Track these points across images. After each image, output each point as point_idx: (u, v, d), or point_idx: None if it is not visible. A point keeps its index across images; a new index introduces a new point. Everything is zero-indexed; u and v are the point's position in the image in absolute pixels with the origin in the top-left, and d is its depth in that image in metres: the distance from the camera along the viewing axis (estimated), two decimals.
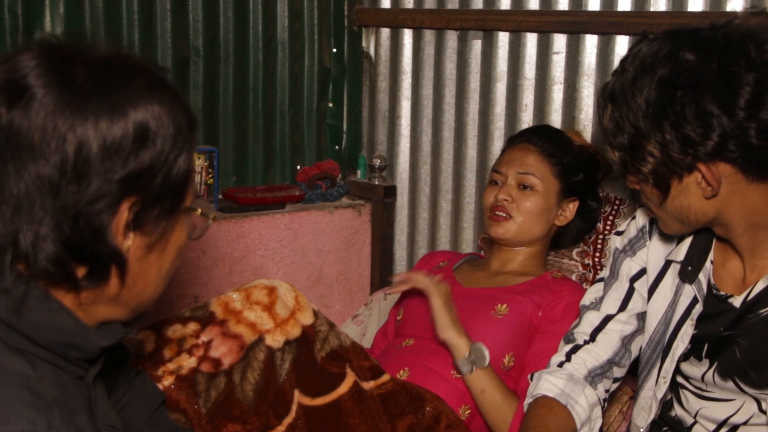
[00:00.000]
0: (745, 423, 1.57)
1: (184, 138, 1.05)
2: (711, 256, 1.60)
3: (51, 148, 0.95)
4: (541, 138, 2.14)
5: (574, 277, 2.23)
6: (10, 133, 0.96)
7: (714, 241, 1.60)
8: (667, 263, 1.69)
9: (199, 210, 1.14)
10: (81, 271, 1.01)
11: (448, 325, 1.92)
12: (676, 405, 1.69)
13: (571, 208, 2.15)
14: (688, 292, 1.63)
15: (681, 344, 1.63)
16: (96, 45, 1.05)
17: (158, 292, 1.13)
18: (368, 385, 1.77)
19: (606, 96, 1.48)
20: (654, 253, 1.71)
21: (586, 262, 2.26)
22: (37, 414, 0.94)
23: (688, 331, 1.62)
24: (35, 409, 0.94)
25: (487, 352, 1.89)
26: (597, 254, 2.25)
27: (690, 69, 1.38)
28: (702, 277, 1.60)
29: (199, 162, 2.55)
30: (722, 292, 1.57)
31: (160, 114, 1.01)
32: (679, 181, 1.44)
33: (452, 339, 1.91)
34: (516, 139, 2.20)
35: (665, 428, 1.72)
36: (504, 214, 2.10)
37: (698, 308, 1.61)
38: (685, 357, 1.63)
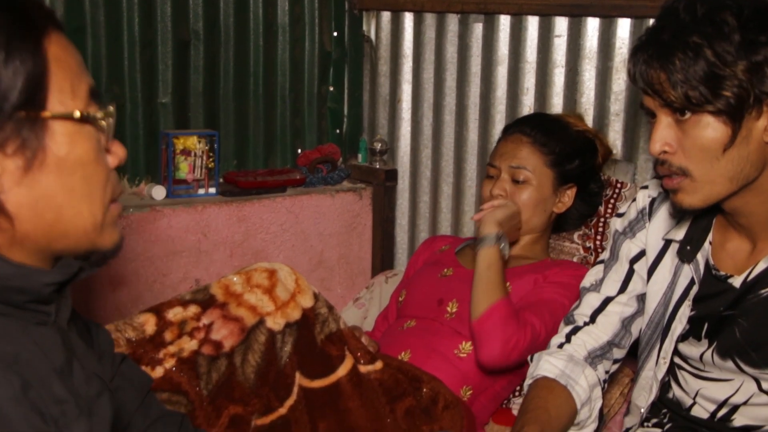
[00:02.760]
0: (744, 403, 1.57)
1: (7, 40, 0.90)
2: (710, 237, 1.60)
3: None
4: (534, 127, 2.14)
5: (575, 260, 2.23)
6: None
7: (714, 221, 1.60)
8: (667, 243, 1.68)
9: (77, 113, 0.96)
10: None
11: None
12: (674, 386, 1.70)
13: (569, 195, 2.15)
14: (687, 272, 1.63)
15: (679, 325, 1.63)
16: None
17: (86, 217, 0.98)
18: (365, 368, 1.78)
19: (676, 26, 1.38)
20: (653, 234, 1.71)
21: (588, 245, 2.26)
22: None
23: (685, 311, 1.62)
24: None
25: (508, 249, 1.97)
26: (598, 237, 2.25)
27: None
28: (700, 257, 1.59)
29: (200, 146, 2.55)
30: (722, 272, 1.57)
31: None
32: (751, 115, 1.36)
33: (488, 220, 1.99)
34: (509, 130, 2.20)
35: (664, 410, 1.72)
36: None
37: (695, 289, 1.61)
38: (683, 337, 1.64)
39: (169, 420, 1.40)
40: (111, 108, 1.00)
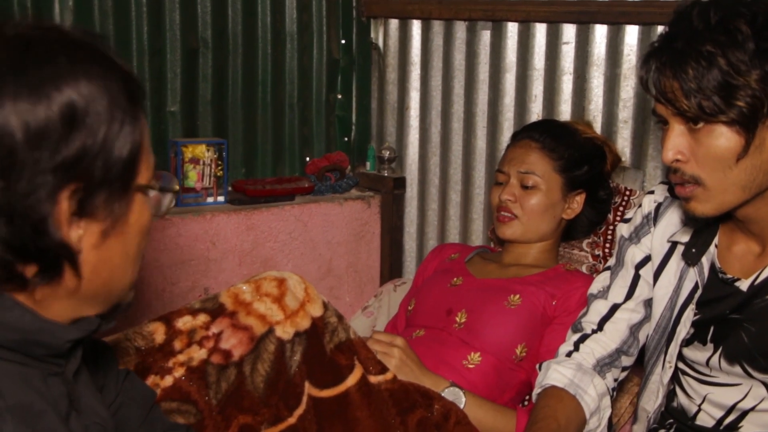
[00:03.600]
0: (753, 409, 1.56)
1: (123, 111, 0.95)
2: (716, 240, 1.59)
3: None
4: (543, 133, 2.14)
5: (584, 268, 2.23)
6: None
7: (720, 224, 1.59)
8: (672, 247, 1.68)
9: (159, 186, 1.03)
10: (30, 270, 0.93)
11: (419, 377, 1.87)
12: (679, 393, 1.69)
13: (578, 201, 2.15)
14: (692, 276, 1.62)
15: (683, 329, 1.63)
16: (16, 20, 0.94)
17: (129, 278, 1.04)
18: (376, 379, 1.77)
19: (689, 34, 1.37)
20: (658, 239, 1.71)
21: (596, 253, 2.25)
22: None
23: (689, 315, 1.62)
24: None
25: (462, 394, 1.86)
26: (607, 245, 2.24)
27: None
28: (705, 260, 1.59)
29: (209, 154, 2.55)
30: (728, 275, 1.56)
31: (89, 91, 0.91)
32: (764, 124, 1.36)
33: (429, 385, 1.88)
34: (518, 136, 2.21)
35: (670, 420, 1.72)
36: (509, 215, 2.11)
37: (699, 292, 1.60)
38: (688, 342, 1.63)
39: None
40: (176, 186, 1.09)
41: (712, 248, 1.60)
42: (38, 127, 0.88)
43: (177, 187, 1.08)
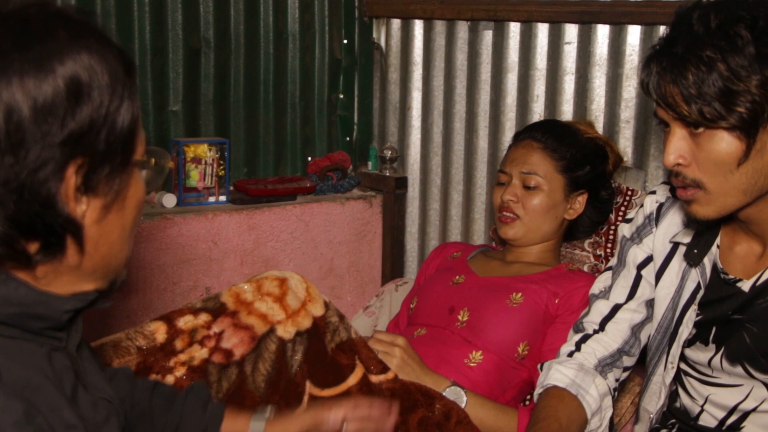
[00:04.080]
0: (754, 409, 1.56)
1: (123, 85, 0.96)
2: (717, 241, 1.59)
3: None
4: (545, 133, 2.14)
5: (585, 268, 2.23)
6: None
7: (722, 225, 1.59)
8: (674, 247, 1.68)
9: (153, 160, 1.06)
10: (33, 246, 0.94)
11: (420, 376, 1.87)
12: (681, 394, 1.69)
13: (580, 201, 2.15)
14: (694, 276, 1.62)
15: (686, 330, 1.62)
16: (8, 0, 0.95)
17: (126, 252, 1.05)
18: (377, 378, 1.77)
19: (689, 38, 1.37)
20: (660, 240, 1.71)
21: (598, 253, 2.25)
22: None
23: (692, 316, 1.62)
24: None
25: (463, 393, 1.86)
26: (609, 245, 2.24)
27: None
28: (707, 261, 1.59)
29: (211, 154, 2.55)
30: (730, 276, 1.56)
31: (90, 63, 0.92)
32: (765, 129, 1.36)
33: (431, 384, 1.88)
34: (520, 136, 2.21)
35: (672, 420, 1.71)
36: (511, 215, 2.12)
37: (702, 293, 1.60)
38: (690, 342, 1.63)
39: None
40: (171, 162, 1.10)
41: (714, 249, 1.59)
42: (45, 101, 0.89)
43: (171, 164, 1.10)
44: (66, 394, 0.99)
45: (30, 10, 0.94)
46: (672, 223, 1.70)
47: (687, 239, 1.64)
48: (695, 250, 1.61)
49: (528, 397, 2.06)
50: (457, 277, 2.17)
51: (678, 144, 1.42)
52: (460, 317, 2.05)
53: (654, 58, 1.42)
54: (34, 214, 0.91)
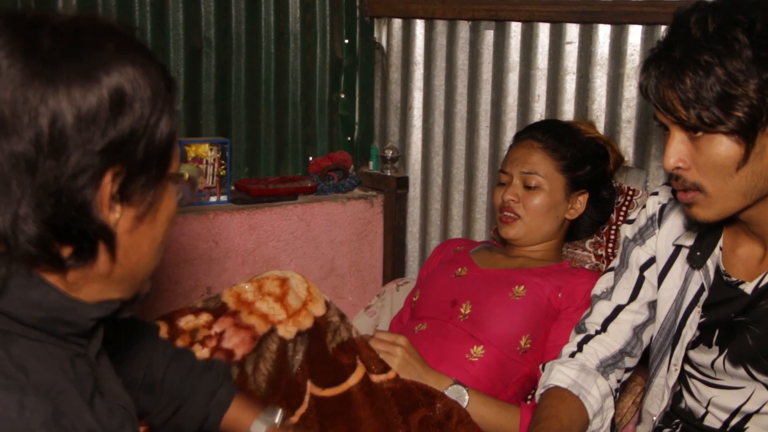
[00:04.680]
0: (757, 412, 1.56)
1: (163, 100, 0.99)
2: (720, 243, 1.59)
3: (23, 123, 0.90)
4: (545, 133, 2.14)
5: (586, 268, 2.23)
6: None
7: (724, 227, 1.59)
8: (677, 250, 1.68)
9: (187, 175, 1.10)
10: (66, 251, 0.96)
11: (422, 375, 1.87)
12: (686, 395, 1.69)
13: (581, 201, 2.15)
14: (697, 278, 1.62)
15: (689, 332, 1.62)
16: (58, 11, 0.98)
17: (153, 264, 1.08)
18: (378, 378, 1.77)
19: (687, 43, 1.36)
20: (663, 241, 1.71)
21: (599, 253, 2.25)
22: (6, 395, 0.90)
23: (695, 318, 1.62)
24: (5, 390, 0.90)
25: (465, 391, 1.86)
26: (610, 245, 2.24)
27: None
28: (710, 263, 1.59)
29: (212, 153, 2.55)
30: (733, 278, 1.56)
31: (134, 76, 0.96)
32: (764, 132, 1.36)
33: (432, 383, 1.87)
34: (520, 136, 2.21)
35: (677, 420, 1.71)
36: (512, 215, 2.12)
37: (705, 295, 1.60)
38: (694, 344, 1.63)
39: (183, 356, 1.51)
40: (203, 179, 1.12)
41: (716, 251, 1.59)
42: (89, 110, 0.92)
43: (203, 179, 1.13)
44: (86, 399, 1.02)
45: (81, 21, 0.97)
46: (674, 225, 1.70)
47: (689, 242, 1.64)
48: (698, 253, 1.61)
49: (530, 395, 2.06)
50: (460, 269, 2.17)
51: (677, 147, 1.42)
52: (462, 310, 2.05)
53: (652, 62, 1.42)
54: (70, 219, 0.93)
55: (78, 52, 0.93)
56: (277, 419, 1.49)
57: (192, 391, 1.46)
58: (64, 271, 0.97)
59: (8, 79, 0.90)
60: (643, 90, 1.44)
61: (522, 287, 2.03)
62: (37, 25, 0.94)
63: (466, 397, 1.84)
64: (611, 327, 1.77)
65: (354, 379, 1.72)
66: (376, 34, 2.94)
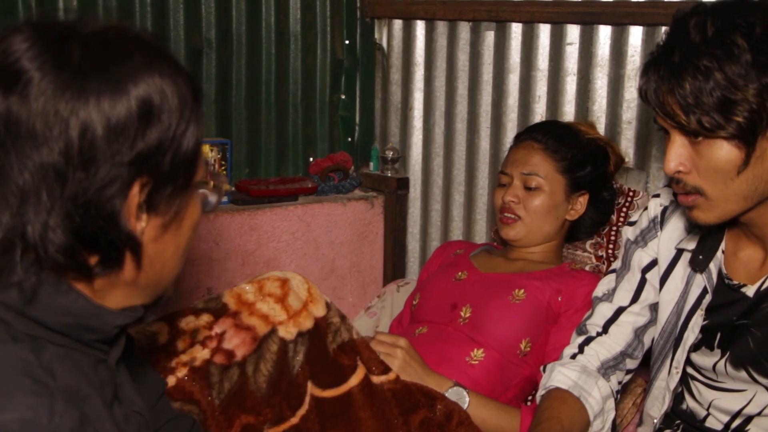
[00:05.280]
0: (758, 414, 1.56)
1: (190, 110, 1.00)
2: (722, 246, 1.59)
3: (54, 135, 0.91)
4: (545, 134, 2.14)
5: (587, 269, 2.23)
6: (9, 121, 0.91)
7: (726, 230, 1.59)
8: (678, 253, 1.68)
9: (212, 183, 1.10)
10: (93, 259, 0.97)
11: (422, 377, 1.87)
12: (687, 397, 1.69)
13: (581, 202, 2.15)
14: (699, 282, 1.62)
15: (691, 335, 1.62)
16: (89, 19, 0.99)
17: (176, 271, 1.10)
18: (378, 379, 1.77)
19: (686, 47, 1.36)
20: (665, 243, 1.71)
21: (600, 254, 2.25)
22: (37, 400, 0.90)
23: (698, 321, 1.62)
24: (36, 395, 0.91)
25: (465, 393, 1.86)
26: (610, 246, 2.24)
27: None
28: (713, 266, 1.59)
29: (212, 154, 2.55)
30: (735, 282, 1.56)
31: (162, 87, 0.97)
32: (764, 136, 1.36)
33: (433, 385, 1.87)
34: (521, 137, 2.21)
35: (678, 421, 1.71)
36: (512, 216, 2.12)
37: (708, 298, 1.60)
38: (696, 347, 1.63)
39: (180, 422, 1.44)
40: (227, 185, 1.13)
41: (719, 254, 1.59)
42: (118, 122, 0.93)
43: (227, 186, 1.14)
44: (107, 405, 1.02)
45: (109, 32, 0.98)
46: (676, 228, 1.70)
47: (692, 245, 1.64)
48: (700, 256, 1.61)
49: (530, 396, 2.06)
50: (460, 273, 2.17)
51: (678, 151, 1.42)
52: (462, 313, 2.05)
53: (651, 66, 1.42)
54: (98, 229, 0.95)
55: (107, 63, 0.94)
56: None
57: None
58: (91, 279, 0.99)
59: (39, 91, 0.91)
60: (642, 94, 1.44)
61: (522, 291, 2.03)
62: (68, 37, 0.95)
63: (467, 399, 1.84)
64: (612, 329, 1.77)
65: (354, 380, 1.72)
66: (376, 35, 2.94)
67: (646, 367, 1.81)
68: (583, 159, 2.13)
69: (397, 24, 2.89)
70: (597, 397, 1.71)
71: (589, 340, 1.78)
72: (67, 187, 0.92)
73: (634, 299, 1.76)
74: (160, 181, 0.98)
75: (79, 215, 0.93)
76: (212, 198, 1.11)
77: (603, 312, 1.79)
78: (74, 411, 0.93)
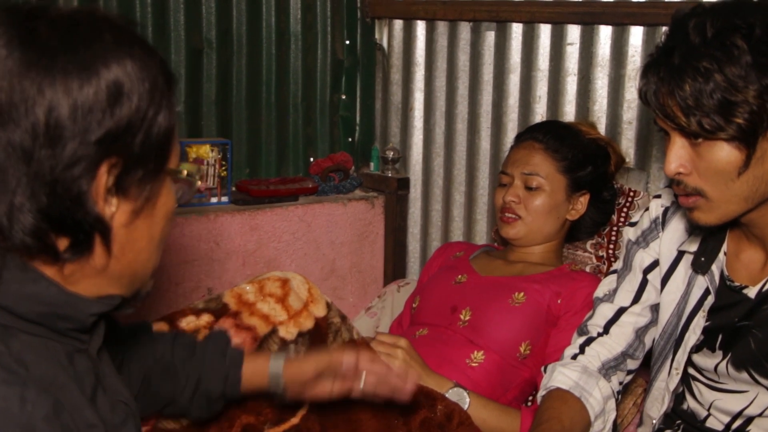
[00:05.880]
0: (759, 415, 1.56)
1: (161, 94, 0.99)
2: (724, 248, 1.59)
3: (20, 112, 0.90)
4: (546, 134, 2.14)
5: (587, 270, 2.23)
6: None
7: (728, 232, 1.59)
8: (680, 255, 1.68)
9: (185, 171, 1.09)
10: (62, 243, 0.96)
11: (422, 378, 1.86)
12: (688, 397, 1.69)
13: (582, 202, 2.15)
14: (701, 283, 1.62)
15: (693, 336, 1.62)
16: (59, 4, 0.99)
17: (152, 262, 1.07)
18: None
19: (686, 49, 1.36)
20: (667, 244, 1.71)
21: (600, 254, 2.25)
22: (8, 389, 0.89)
23: (699, 322, 1.61)
24: (6, 384, 0.90)
25: (466, 394, 1.86)
26: (611, 246, 2.24)
27: None
28: (715, 268, 1.59)
29: (213, 154, 2.55)
30: (736, 283, 1.56)
31: (133, 69, 0.96)
32: (765, 137, 1.35)
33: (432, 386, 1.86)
34: (521, 137, 2.21)
35: (678, 421, 1.71)
36: (513, 215, 2.12)
37: (710, 300, 1.60)
38: (697, 348, 1.63)
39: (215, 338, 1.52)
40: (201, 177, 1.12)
41: (721, 255, 1.59)
42: (86, 102, 0.92)
43: (201, 177, 1.13)
44: (86, 395, 1.02)
45: (78, 14, 0.97)
46: (677, 229, 1.70)
47: (693, 247, 1.64)
48: (702, 258, 1.61)
49: (530, 398, 2.06)
50: (460, 276, 2.17)
51: (678, 153, 1.42)
52: (462, 316, 2.05)
53: (651, 67, 1.41)
54: (65, 210, 0.93)
55: (75, 43, 0.94)
56: (290, 353, 1.48)
57: (205, 358, 1.47)
58: (61, 264, 0.97)
59: (5, 69, 0.91)
60: (642, 96, 1.43)
61: (522, 294, 2.03)
62: (36, 16, 0.95)
63: (467, 400, 1.84)
64: (613, 329, 1.77)
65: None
66: (377, 35, 2.94)
67: (647, 368, 1.81)
68: (584, 159, 2.13)
69: (398, 24, 2.89)
70: (598, 397, 1.71)
71: (590, 341, 1.78)
72: (32, 165, 0.91)
73: (635, 300, 1.76)
74: (130, 163, 0.97)
75: (45, 194, 0.92)
76: (186, 189, 1.10)
77: (604, 312, 1.79)
78: (47, 399, 0.92)
